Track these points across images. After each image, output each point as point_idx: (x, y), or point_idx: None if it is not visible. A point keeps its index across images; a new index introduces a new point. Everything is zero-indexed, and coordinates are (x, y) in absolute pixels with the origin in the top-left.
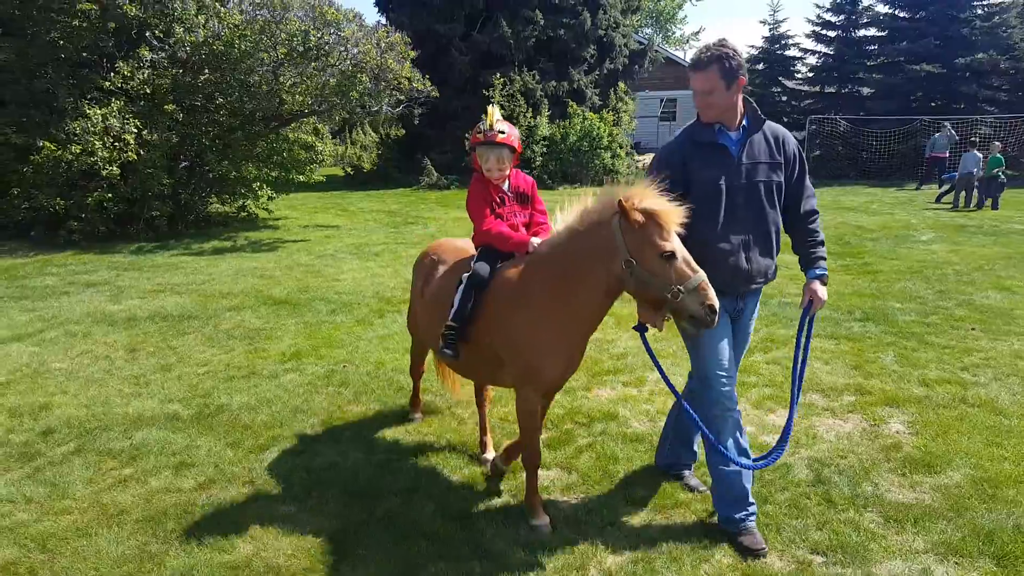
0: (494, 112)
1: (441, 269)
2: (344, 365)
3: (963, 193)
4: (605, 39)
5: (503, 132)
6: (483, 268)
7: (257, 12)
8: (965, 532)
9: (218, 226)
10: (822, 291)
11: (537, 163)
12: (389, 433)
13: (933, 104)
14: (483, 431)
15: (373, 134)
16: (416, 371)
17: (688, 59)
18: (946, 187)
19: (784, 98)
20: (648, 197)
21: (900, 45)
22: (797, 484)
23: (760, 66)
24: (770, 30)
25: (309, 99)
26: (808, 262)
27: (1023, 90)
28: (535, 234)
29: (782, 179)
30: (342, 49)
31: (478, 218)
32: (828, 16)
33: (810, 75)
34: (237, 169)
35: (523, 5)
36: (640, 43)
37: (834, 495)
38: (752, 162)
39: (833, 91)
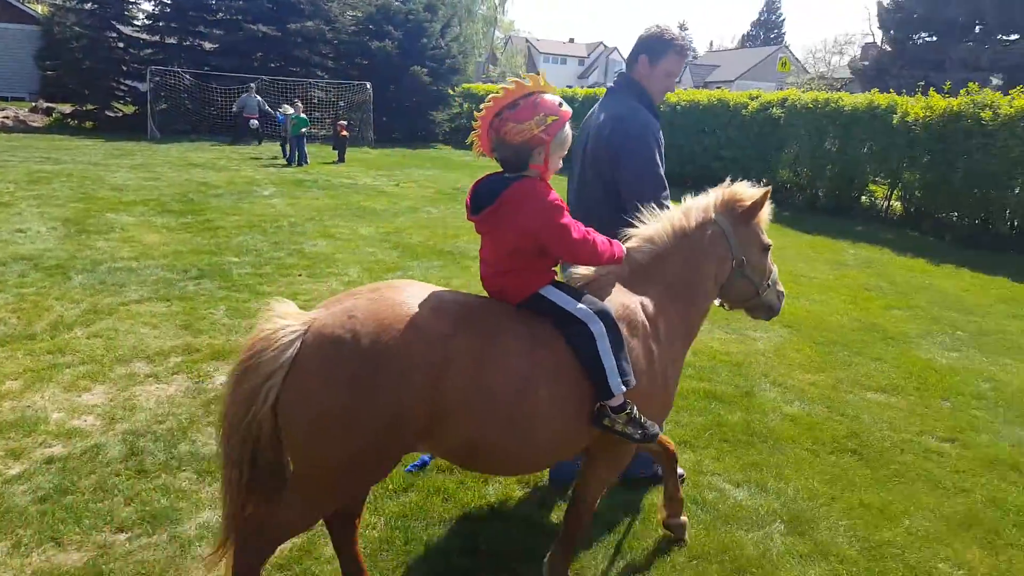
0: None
1: (470, 358)
2: None
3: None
4: None
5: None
6: (594, 302)
7: None
8: None
9: None
10: None
11: None
12: None
13: (273, 65)
14: None
15: None
16: None
17: (667, 39)
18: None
19: (121, 45)
20: (749, 191)
21: (238, 3)
22: (107, 464)
23: (89, 5)
24: None
25: None
26: None
27: (346, 59)
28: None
29: None
30: None
31: (577, 232)
32: None
33: (148, 23)
34: None
35: None
36: None
37: (148, 464)
38: None
39: (175, 43)
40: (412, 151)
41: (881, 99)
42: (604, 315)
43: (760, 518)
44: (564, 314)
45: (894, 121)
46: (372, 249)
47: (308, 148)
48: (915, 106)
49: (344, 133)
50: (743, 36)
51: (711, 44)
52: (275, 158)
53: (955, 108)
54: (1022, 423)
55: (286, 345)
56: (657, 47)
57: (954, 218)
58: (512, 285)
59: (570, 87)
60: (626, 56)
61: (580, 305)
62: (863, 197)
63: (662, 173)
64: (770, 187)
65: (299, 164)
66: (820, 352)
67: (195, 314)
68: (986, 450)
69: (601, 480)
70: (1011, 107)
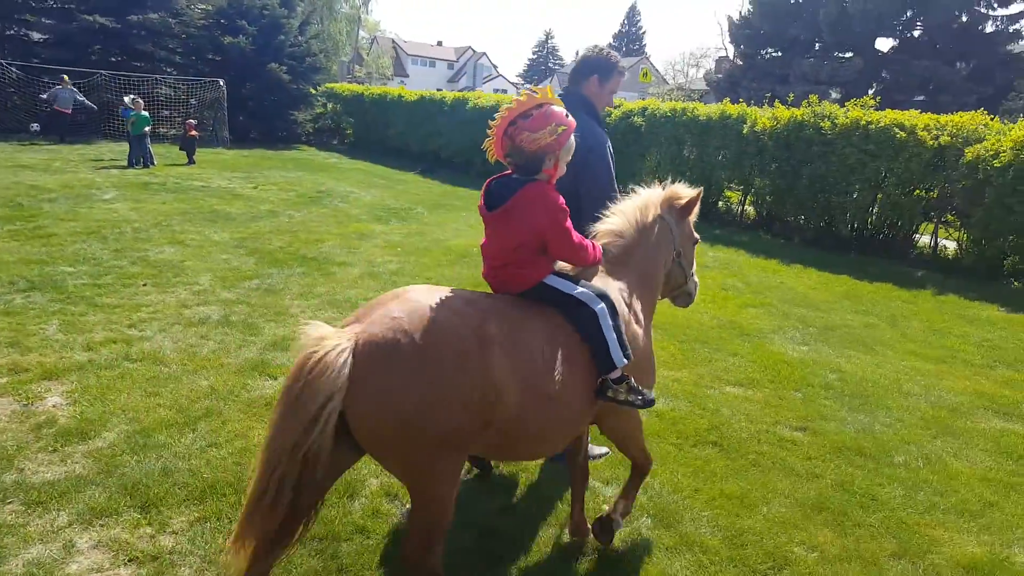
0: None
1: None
2: None
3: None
4: None
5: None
6: (592, 286)
7: None
8: (112, 491)
9: None
10: None
11: None
12: None
13: (113, 59)
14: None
15: None
16: None
17: (613, 61)
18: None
19: None
20: (686, 190)
21: None
22: None
23: None
24: None
25: None
26: None
27: (196, 54)
28: None
29: None
30: None
31: (575, 235)
32: None
33: None
34: None
35: None
36: None
37: None
38: None
39: None
40: (272, 152)
41: (732, 109)
42: (603, 296)
43: (630, 515)
44: (568, 298)
45: (744, 130)
46: (226, 256)
47: (155, 149)
48: (763, 116)
49: (193, 133)
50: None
51: (577, 54)
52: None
53: (798, 118)
54: (865, 410)
55: (342, 365)
56: (607, 68)
57: (801, 221)
58: (516, 277)
59: (439, 90)
60: (570, 72)
61: (580, 289)
62: (720, 202)
63: (614, 177)
64: (702, 187)
65: (144, 166)
66: (683, 350)
67: (23, 330)
68: (834, 437)
69: (635, 441)
70: (847, 118)
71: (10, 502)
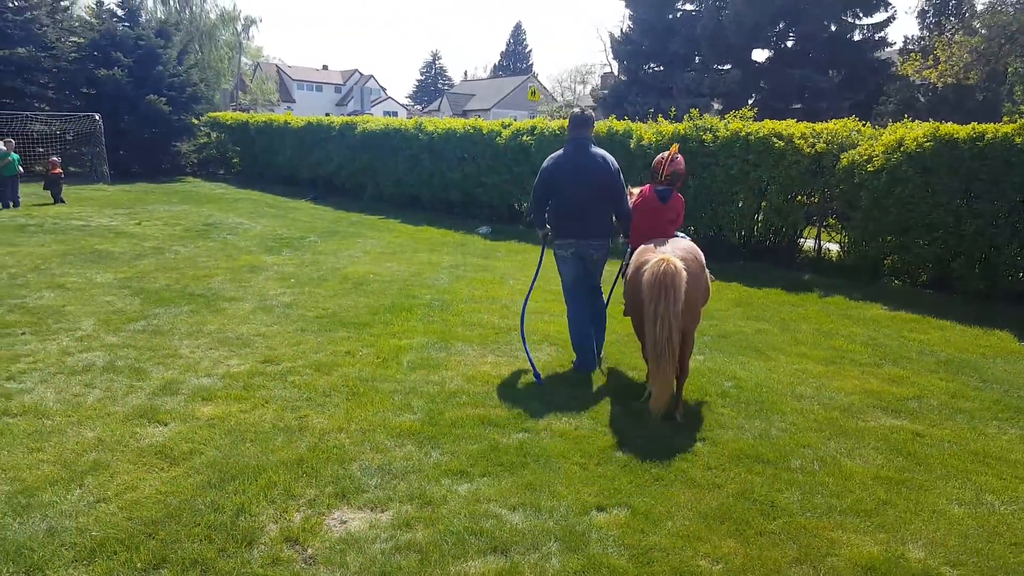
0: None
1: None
2: None
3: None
4: None
5: None
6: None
7: None
8: None
9: None
10: None
11: None
12: None
13: None
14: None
15: None
16: None
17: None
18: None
19: None
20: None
21: None
22: None
23: None
24: None
25: None
26: None
27: (70, 88)
28: None
29: None
30: None
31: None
32: None
33: None
34: None
35: None
36: None
37: None
38: None
39: None
40: (156, 185)
41: (618, 125)
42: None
43: (536, 539)
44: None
45: (632, 145)
46: (109, 298)
47: (23, 189)
48: (647, 131)
49: (57, 171)
50: (494, 66)
51: (465, 74)
52: None
53: (681, 132)
54: (761, 416)
55: (683, 269)
56: (594, 120)
57: (691, 231)
58: (668, 232)
59: (328, 114)
60: (583, 123)
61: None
62: None
63: None
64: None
65: (14, 207)
66: None
67: None
68: (732, 445)
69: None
70: (727, 130)
71: None
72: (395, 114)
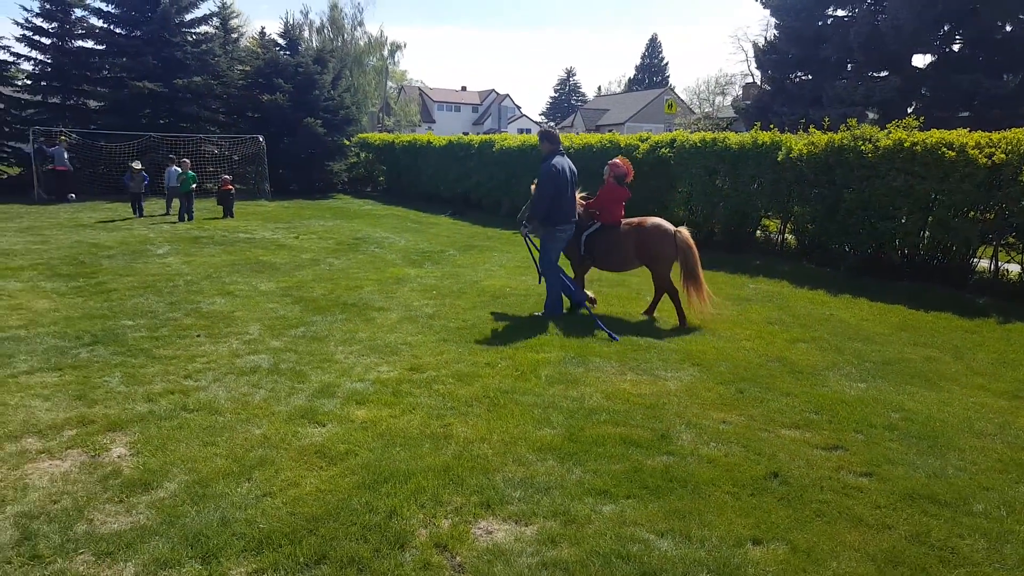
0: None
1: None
2: None
3: (173, 203)
4: None
5: None
6: None
7: None
8: (175, 542)
9: None
10: None
11: None
12: None
13: (162, 121)
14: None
15: None
16: None
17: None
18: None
19: (1, 106)
20: None
21: (122, 61)
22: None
23: None
24: None
25: None
26: None
27: (238, 112)
28: None
29: None
30: None
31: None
32: (39, 22)
33: (28, 83)
34: None
35: None
36: None
37: (42, 548)
38: None
39: (58, 102)
40: (311, 202)
41: (764, 136)
42: None
43: (687, 569)
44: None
45: (779, 157)
46: (273, 305)
47: (197, 203)
48: (798, 142)
49: (229, 187)
50: (629, 80)
51: (599, 89)
52: (164, 215)
53: (837, 143)
54: (934, 452)
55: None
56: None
57: (846, 249)
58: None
59: (466, 133)
60: (556, 136)
61: None
62: (758, 232)
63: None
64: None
65: (189, 220)
66: (731, 390)
67: (89, 383)
68: (904, 483)
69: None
70: (889, 139)
71: (81, 552)
72: (529, 131)
